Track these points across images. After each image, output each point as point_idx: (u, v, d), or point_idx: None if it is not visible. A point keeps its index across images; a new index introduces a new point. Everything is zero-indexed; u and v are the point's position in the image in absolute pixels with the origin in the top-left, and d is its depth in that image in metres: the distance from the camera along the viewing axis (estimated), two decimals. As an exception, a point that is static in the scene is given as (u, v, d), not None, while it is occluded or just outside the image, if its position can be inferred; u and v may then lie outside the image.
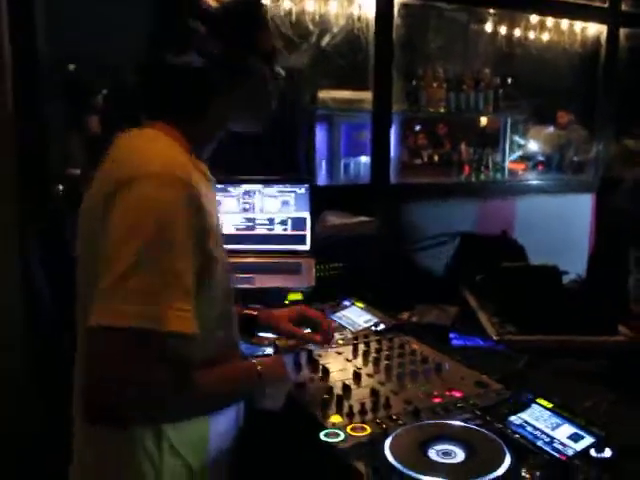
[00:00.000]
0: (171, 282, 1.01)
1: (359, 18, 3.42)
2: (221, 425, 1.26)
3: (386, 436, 1.19)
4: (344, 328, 1.86)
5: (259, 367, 1.25)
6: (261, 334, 1.63)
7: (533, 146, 4.74)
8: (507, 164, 4.24)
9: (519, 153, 4.60)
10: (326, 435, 1.24)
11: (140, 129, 1.20)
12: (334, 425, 1.28)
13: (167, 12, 1.20)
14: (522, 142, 4.65)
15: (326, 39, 3.69)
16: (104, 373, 0.97)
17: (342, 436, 1.24)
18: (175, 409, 1.10)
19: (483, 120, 4.40)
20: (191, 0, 1.17)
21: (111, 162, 1.15)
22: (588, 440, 1.18)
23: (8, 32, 2.25)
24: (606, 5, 4.02)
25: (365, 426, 1.27)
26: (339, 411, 1.33)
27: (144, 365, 0.99)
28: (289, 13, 3.40)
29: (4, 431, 2.14)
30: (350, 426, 1.27)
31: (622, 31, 4.12)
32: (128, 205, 1.02)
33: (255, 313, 1.59)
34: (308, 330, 1.59)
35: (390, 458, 1.11)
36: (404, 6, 3.38)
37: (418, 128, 5.18)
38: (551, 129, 4.84)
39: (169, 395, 1.05)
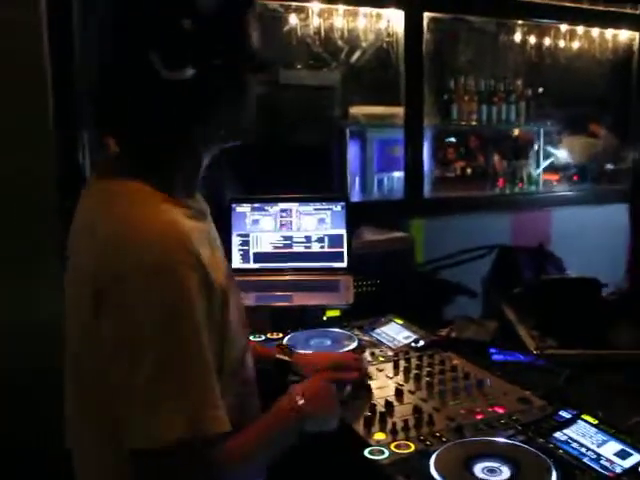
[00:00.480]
0: (196, 383, 0.94)
1: (388, 33, 3.45)
2: None
3: (430, 453, 1.20)
4: (383, 344, 1.87)
5: (300, 402, 1.17)
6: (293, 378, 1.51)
7: (566, 156, 4.69)
8: (541, 175, 4.21)
9: (550, 163, 4.57)
10: (370, 452, 1.25)
11: (115, 182, 1.02)
12: (378, 442, 1.29)
13: (150, 7, 0.97)
14: (555, 153, 4.61)
15: (356, 55, 3.73)
16: None
17: (386, 453, 1.24)
18: None
19: (515, 132, 4.37)
20: (182, 2, 0.97)
21: (90, 228, 1.00)
22: (636, 457, 1.17)
23: (49, 57, 2.32)
24: (638, 12, 3.99)
25: (409, 443, 1.28)
26: (382, 428, 1.34)
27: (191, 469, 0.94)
28: (318, 31, 3.45)
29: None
30: (394, 443, 1.28)
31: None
32: (127, 309, 0.91)
33: (287, 359, 1.54)
34: None
35: (435, 475, 1.12)
36: (433, 20, 3.40)
37: (450, 141, 5.17)
38: (585, 138, 4.79)
39: None
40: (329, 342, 1.85)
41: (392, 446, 1.27)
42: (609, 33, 4.14)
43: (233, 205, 2.35)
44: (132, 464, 0.93)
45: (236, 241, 2.33)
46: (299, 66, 3.65)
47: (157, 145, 1.04)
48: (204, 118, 1.03)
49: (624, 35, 4.14)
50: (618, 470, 1.15)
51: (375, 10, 3.39)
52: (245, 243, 2.34)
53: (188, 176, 1.10)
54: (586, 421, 1.31)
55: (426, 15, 3.32)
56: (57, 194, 2.31)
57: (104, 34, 1.02)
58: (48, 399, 1.41)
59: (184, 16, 0.95)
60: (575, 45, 4.24)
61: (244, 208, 2.35)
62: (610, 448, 1.21)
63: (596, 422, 1.29)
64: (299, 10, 3.33)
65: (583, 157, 4.59)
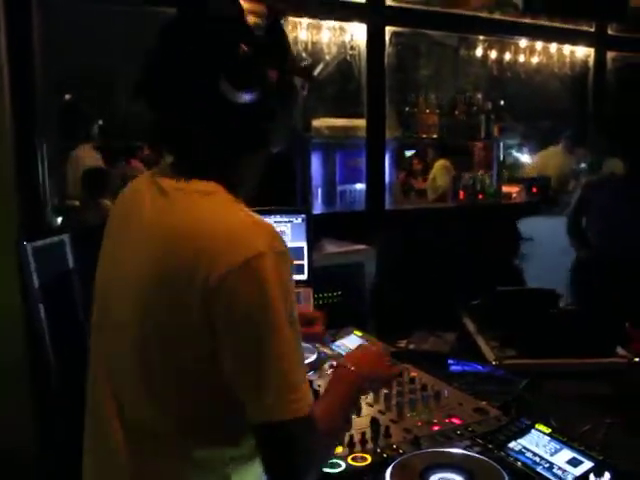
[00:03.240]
0: (301, 360, 1.02)
1: (351, 47, 3.48)
2: None
3: (387, 465, 1.20)
4: (343, 356, 1.87)
5: (352, 368, 1.23)
6: None
7: (529, 170, 4.79)
8: (501, 188, 4.27)
9: (510, 174, 4.66)
10: (327, 465, 1.25)
11: (196, 184, 1.05)
12: (335, 455, 1.28)
13: (205, 34, 1.01)
14: (516, 165, 4.70)
15: (319, 68, 3.75)
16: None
17: (343, 466, 1.24)
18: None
19: (476, 144, 4.44)
20: (234, 20, 1.01)
21: (174, 227, 1.02)
22: (587, 465, 1.19)
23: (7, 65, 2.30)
24: (593, 29, 4.10)
25: (366, 456, 1.28)
26: (339, 441, 1.34)
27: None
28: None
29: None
30: (351, 456, 1.28)
31: (609, 54, 4.19)
32: (251, 294, 0.95)
33: None
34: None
35: (391, 488, 1.12)
36: (395, 34, 3.44)
37: (410, 154, 5.24)
38: (557, 152, 4.90)
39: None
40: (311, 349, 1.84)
41: (349, 459, 1.27)
42: (567, 49, 4.25)
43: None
44: (258, 437, 1.00)
45: (196, 253, 2.31)
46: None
47: (223, 159, 1.08)
48: (268, 132, 1.08)
49: (581, 51, 4.25)
50: (569, 478, 1.16)
51: (338, 24, 3.42)
52: (206, 255, 2.31)
53: (252, 184, 1.15)
54: (540, 430, 1.32)
55: (388, 29, 3.36)
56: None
57: (165, 66, 1.04)
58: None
59: (242, 41, 1.00)
60: (534, 60, 4.34)
61: (204, 220, 2.33)
62: (562, 456, 1.23)
63: (549, 431, 1.31)
64: (262, 22, 3.34)
65: (556, 170, 4.70)
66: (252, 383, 0.97)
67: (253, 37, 1.01)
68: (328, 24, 3.43)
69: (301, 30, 3.43)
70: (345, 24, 3.41)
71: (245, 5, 1.02)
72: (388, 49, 3.39)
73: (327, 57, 3.68)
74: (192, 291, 0.96)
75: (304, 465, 1.02)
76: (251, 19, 1.01)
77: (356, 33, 3.43)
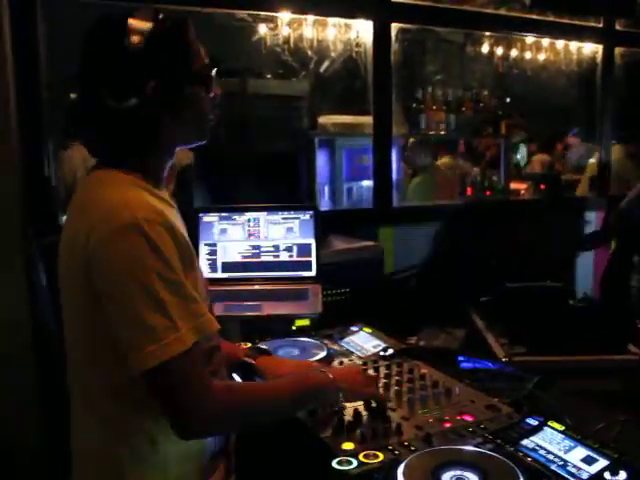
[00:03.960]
0: (184, 295, 1.13)
1: (357, 43, 3.46)
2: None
3: (399, 463, 1.19)
4: (352, 354, 1.86)
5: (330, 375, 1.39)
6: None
7: (535, 166, 4.77)
8: (509, 184, 4.26)
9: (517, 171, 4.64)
10: (338, 463, 1.23)
11: (101, 173, 1.25)
12: (346, 452, 1.27)
13: (95, 55, 1.20)
14: (523, 162, 4.68)
15: (325, 65, 3.74)
16: (187, 402, 1.11)
17: (354, 463, 1.23)
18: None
19: (483, 141, 4.43)
20: (116, 41, 1.17)
21: (81, 210, 1.21)
22: (602, 463, 1.17)
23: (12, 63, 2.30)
24: (601, 25, 4.06)
25: (377, 453, 1.26)
26: (351, 438, 1.33)
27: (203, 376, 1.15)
28: (287, 40, 3.45)
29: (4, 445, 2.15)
30: (362, 453, 1.26)
31: (617, 50, 4.16)
32: (118, 255, 1.10)
33: (253, 362, 1.61)
34: None
35: (404, 485, 1.11)
36: (401, 31, 3.42)
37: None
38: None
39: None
40: (298, 351, 1.84)
41: (360, 456, 1.25)
42: (574, 46, 4.22)
43: (200, 215, 2.32)
44: (148, 379, 1.11)
45: (204, 251, 2.31)
46: (268, 76, 3.65)
47: (125, 150, 1.25)
48: (156, 132, 1.23)
49: (588, 48, 4.22)
50: (584, 476, 1.15)
51: (344, 20, 3.40)
52: (213, 252, 2.31)
53: (154, 172, 1.29)
54: (553, 428, 1.31)
55: (394, 26, 3.34)
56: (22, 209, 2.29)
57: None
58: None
59: (120, 56, 1.17)
60: (541, 57, 4.31)
61: (211, 217, 2.33)
62: (577, 454, 1.21)
63: (563, 428, 1.30)
64: (268, 20, 3.33)
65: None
66: (123, 338, 1.10)
67: (130, 53, 1.16)
68: (334, 21, 3.41)
69: (307, 27, 3.42)
70: (351, 21, 3.39)
71: (133, 22, 1.17)
72: (394, 46, 3.36)
73: (333, 54, 3.67)
74: (78, 257, 1.14)
75: (189, 410, 1.11)
76: (135, 39, 1.16)
77: (362, 30, 3.41)
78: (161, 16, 1.22)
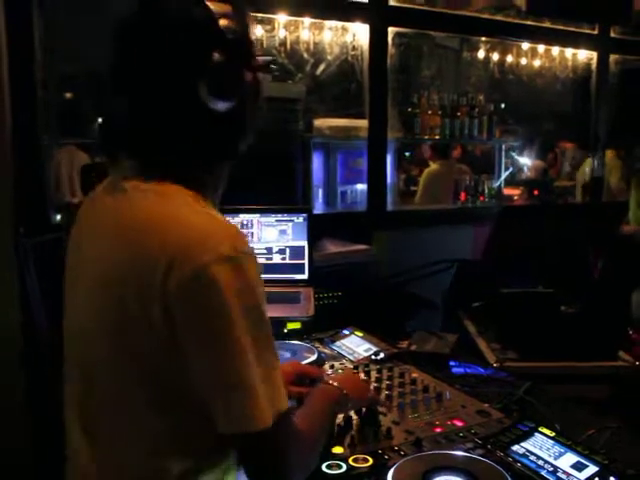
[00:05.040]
0: (274, 363, 0.98)
1: (353, 47, 3.46)
2: None
3: (388, 467, 1.19)
4: (343, 357, 1.86)
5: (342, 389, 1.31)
6: None
7: (529, 172, 4.79)
8: (502, 189, 4.27)
9: (510, 176, 4.65)
10: (328, 467, 1.23)
11: (154, 186, 1.02)
12: (336, 456, 1.27)
13: (181, 40, 0.99)
14: (517, 167, 4.69)
15: (321, 68, 3.73)
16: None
17: (344, 467, 1.23)
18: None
19: (477, 146, 4.44)
20: (207, 24, 0.99)
21: (132, 229, 0.99)
22: (592, 469, 1.17)
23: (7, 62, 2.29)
24: (596, 32, 4.08)
25: (367, 457, 1.26)
26: (340, 442, 1.32)
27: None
28: (284, 42, 3.45)
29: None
30: (352, 457, 1.26)
31: (612, 57, 4.18)
32: (211, 300, 0.92)
33: None
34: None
35: (393, 490, 1.11)
36: (398, 35, 3.43)
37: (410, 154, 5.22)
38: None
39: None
40: (289, 354, 1.83)
41: (350, 460, 1.25)
42: (569, 52, 4.24)
43: (194, 216, 2.31)
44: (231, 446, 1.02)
45: (197, 252, 2.30)
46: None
47: (191, 163, 1.06)
48: (239, 139, 1.08)
49: (583, 54, 4.24)
50: (574, 483, 1.15)
51: (341, 24, 3.40)
52: (206, 254, 2.30)
53: (218, 188, 1.12)
54: (543, 434, 1.31)
55: (391, 30, 3.35)
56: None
57: (140, 69, 1.01)
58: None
59: (216, 46, 0.99)
60: (536, 63, 4.33)
61: (205, 219, 2.32)
62: (567, 460, 1.21)
63: (553, 434, 1.30)
64: (265, 21, 3.33)
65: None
66: (212, 395, 0.95)
67: (226, 41, 1.00)
68: (330, 24, 3.41)
69: (303, 30, 3.42)
70: (348, 24, 3.40)
71: (213, 7, 1.00)
72: (390, 50, 3.37)
73: (329, 57, 3.67)
74: (152, 286, 0.93)
75: (286, 473, 1.00)
76: (222, 22, 1.00)
77: (358, 33, 3.41)
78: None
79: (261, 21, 3.31)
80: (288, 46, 3.47)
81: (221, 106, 1.00)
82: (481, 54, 4.27)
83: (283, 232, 2.31)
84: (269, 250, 2.31)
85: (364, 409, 1.42)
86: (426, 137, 3.87)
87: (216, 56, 0.99)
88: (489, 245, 3.18)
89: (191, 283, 0.91)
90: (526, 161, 5.18)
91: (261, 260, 2.30)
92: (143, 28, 1.02)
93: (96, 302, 1.02)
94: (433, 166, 4.65)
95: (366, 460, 1.25)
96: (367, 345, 1.91)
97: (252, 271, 0.96)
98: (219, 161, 1.09)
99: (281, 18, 3.30)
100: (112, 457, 1.04)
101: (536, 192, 4.20)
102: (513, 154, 4.81)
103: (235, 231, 0.98)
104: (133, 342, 0.98)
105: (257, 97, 1.10)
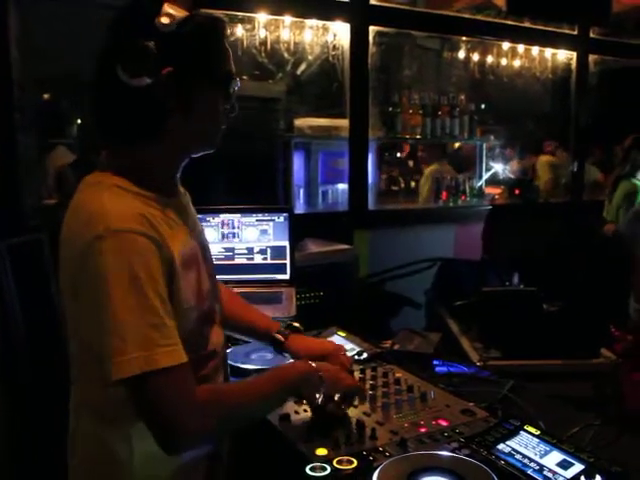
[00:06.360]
0: (152, 323, 1.09)
1: (334, 46, 3.46)
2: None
3: (373, 469, 1.17)
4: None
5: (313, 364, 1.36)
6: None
7: (510, 171, 4.81)
8: (484, 189, 4.28)
9: (492, 175, 4.67)
10: (312, 469, 1.21)
11: (95, 179, 1.21)
12: (320, 458, 1.25)
13: (120, 30, 1.18)
14: (498, 167, 4.71)
15: (302, 67, 3.72)
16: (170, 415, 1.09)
17: (328, 470, 1.20)
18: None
19: (458, 145, 4.45)
20: (145, 19, 1.15)
21: (76, 214, 1.18)
22: (578, 467, 1.16)
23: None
24: (575, 32, 4.11)
25: (352, 459, 1.24)
26: (324, 444, 1.30)
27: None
28: (264, 42, 3.43)
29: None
30: (336, 459, 1.24)
31: (591, 57, 4.22)
32: (98, 267, 1.08)
33: (282, 339, 1.59)
34: None
35: (378, 492, 1.09)
36: (379, 34, 3.42)
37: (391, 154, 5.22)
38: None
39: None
40: (271, 356, 1.80)
41: (334, 462, 1.23)
42: (549, 52, 4.26)
43: (174, 215, 2.29)
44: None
45: (177, 252, 2.27)
46: (244, 77, 3.62)
47: (134, 150, 1.21)
48: (163, 123, 1.19)
49: (562, 54, 4.26)
50: (560, 481, 1.14)
51: (322, 23, 3.39)
52: (186, 254, 2.27)
53: (153, 172, 1.23)
54: (528, 432, 1.30)
55: (372, 29, 3.34)
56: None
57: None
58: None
59: (144, 33, 1.14)
60: (517, 63, 4.35)
61: (185, 219, 2.29)
62: (552, 458, 1.20)
63: (538, 432, 1.29)
64: (245, 21, 3.31)
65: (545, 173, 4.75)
66: (96, 348, 1.08)
67: (156, 35, 1.13)
68: (311, 23, 3.40)
69: (284, 29, 3.40)
70: (328, 23, 3.39)
71: (168, 9, 1.14)
72: (371, 49, 3.37)
73: (310, 57, 3.66)
74: (68, 264, 1.15)
75: (167, 423, 1.09)
76: (165, 20, 1.14)
77: (339, 33, 3.41)
78: (199, 11, 1.20)
79: (241, 20, 3.29)
80: (268, 45, 3.45)
81: (131, 83, 1.13)
82: (462, 54, 4.28)
83: (264, 232, 2.29)
84: (250, 250, 2.29)
85: (336, 395, 1.39)
86: (407, 136, 3.87)
87: (137, 40, 1.13)
88: (487, 243, 3.17)
89: (81, 256, 1.10)
90: (507, 160, 5.21)
91: (242, 260, 2.28)
92: (115, 15, 1.20)
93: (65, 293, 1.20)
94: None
95: (350, 462, 1.23)
96: (350, 345, 1.89)
97: (130, 247, 1.09)
98: (142, 141, 1.20)
99: (261, 17, 3.29)
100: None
101: (517, 191, 4.22)
102: (495, 152, 4.83)
103: (117, 212, 1.11)
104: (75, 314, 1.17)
105: (184, 96, 1.19)
